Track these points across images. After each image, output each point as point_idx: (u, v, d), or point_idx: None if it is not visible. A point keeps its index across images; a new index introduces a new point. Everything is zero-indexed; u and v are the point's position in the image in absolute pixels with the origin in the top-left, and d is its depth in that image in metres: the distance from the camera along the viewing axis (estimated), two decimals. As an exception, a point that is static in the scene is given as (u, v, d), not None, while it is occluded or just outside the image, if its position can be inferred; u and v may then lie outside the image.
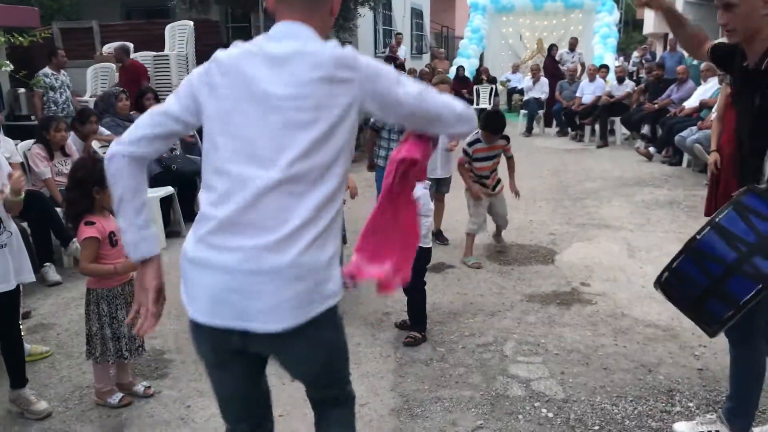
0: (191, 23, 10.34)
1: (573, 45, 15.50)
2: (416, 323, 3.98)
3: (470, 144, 5.41)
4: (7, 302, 2.96)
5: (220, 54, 1.69)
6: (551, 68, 14.24)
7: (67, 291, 4.91)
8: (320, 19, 1.72)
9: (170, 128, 1.74)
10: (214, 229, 1.63)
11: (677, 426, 2.98)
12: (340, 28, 13.56)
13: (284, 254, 1.59)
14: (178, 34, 10.12)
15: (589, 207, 7.09)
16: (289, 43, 1.65)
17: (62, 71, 8.78)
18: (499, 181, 5.56)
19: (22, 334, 3.19)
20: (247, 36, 13.11)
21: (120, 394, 3.22)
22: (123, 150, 1.72)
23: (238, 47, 1.70)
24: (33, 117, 9.14)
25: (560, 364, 3.61)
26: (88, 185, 2.97)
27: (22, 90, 9.90)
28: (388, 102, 1.69)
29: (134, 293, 1.82)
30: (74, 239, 5.17)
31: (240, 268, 1.60)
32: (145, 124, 1.74)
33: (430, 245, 3.92)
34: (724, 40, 2.67)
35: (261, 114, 1.61)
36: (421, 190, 3.56)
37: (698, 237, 2.38)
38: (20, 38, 6.23)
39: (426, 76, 14.79)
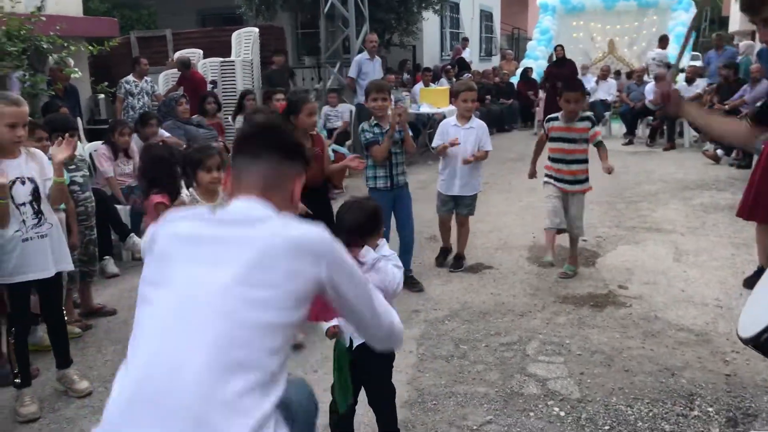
0: (256, 30, 10.72)
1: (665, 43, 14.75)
2: None
3: (548, 120, 5.00)
4: (49, 289, 3.24)
5: None
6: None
7: (123, 283, 5.25)
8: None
9: None
10: None
11: None
12: (404, 32, 13.71)
13: None
14: (244, 40, 10.52)
15: (642, 210, 6.93)
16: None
17: (144, 78, 9.29)
18: (581, 180, 4.91)
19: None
20: (315, 42, 13.47)
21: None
22: None
23: None
24: (111, 121, 9.71)
25: (581, 364, 3.60)
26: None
27: (101, 96, 10.53)
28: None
29: None
30: (132, 234, 5.53)
31: None
32: None
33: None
34: None
35: None
36: (384, 258, 2.56)
37: None
38: (90, 47, 6.67)
39: (489, 77, 14.81)
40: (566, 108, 4.84)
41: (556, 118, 4.94)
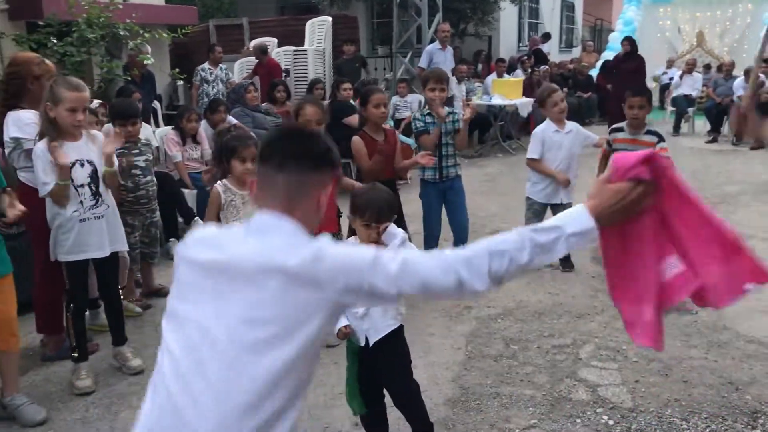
0: (329, 19, 10.78)
1: None
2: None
3: (612, 131, 4.81)
4: (105, 267, 3.35)
5: None
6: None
7: (186, 265, 5.38)
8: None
9: None
10: None
11: None
12: (479, 22, 13.48)
13: None
14: (318, 29, 10.60)
15: (720, 212, 6.50)
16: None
17: (219, 66, 9.50)
18: None
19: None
20: (389, 32, 13.41)
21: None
22: None
23: None
24: (179, 107, 9.98)
25: (637, 372, 3.43)
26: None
27: (180, 82, 10.86)
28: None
29: None
30: (197, 218, 5.67)
31: None
32: None
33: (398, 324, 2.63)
34: None
35: None
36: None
37: None
38: (164, 35, 6.87)
39: (564, 67, 14.39)
40: (629, 114, 4.60)
41: (621, 129, 4.73)
